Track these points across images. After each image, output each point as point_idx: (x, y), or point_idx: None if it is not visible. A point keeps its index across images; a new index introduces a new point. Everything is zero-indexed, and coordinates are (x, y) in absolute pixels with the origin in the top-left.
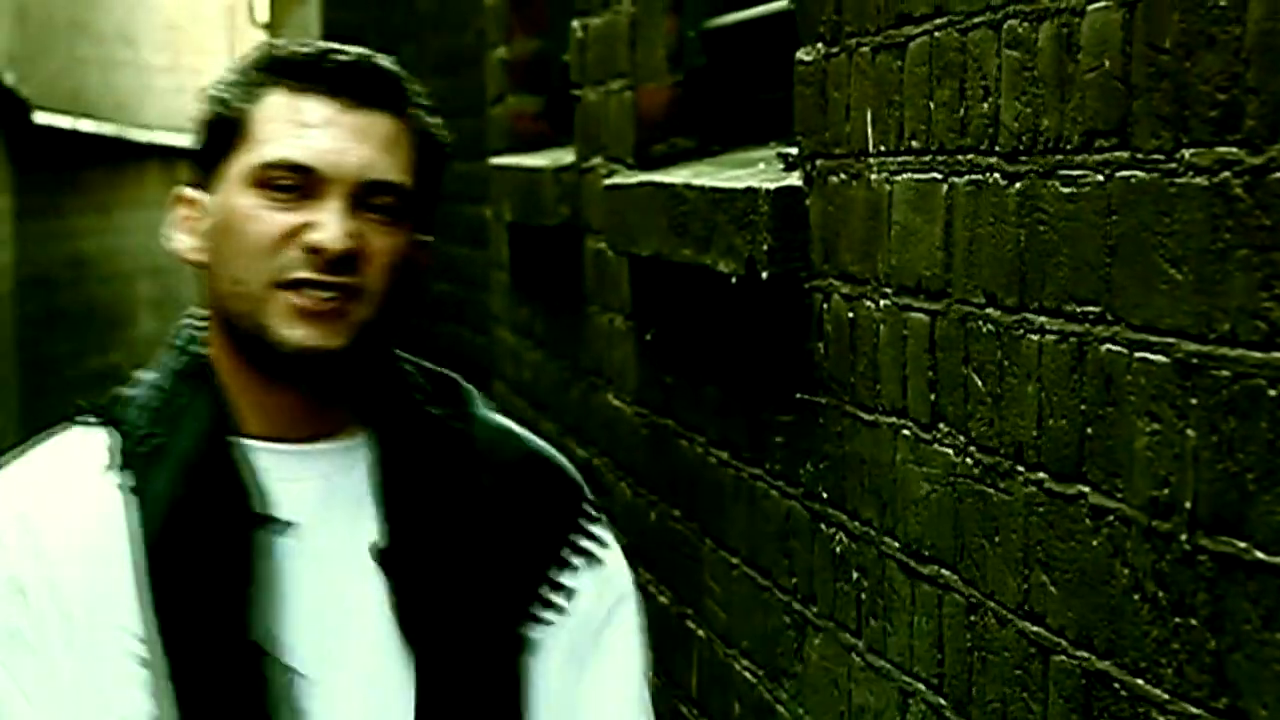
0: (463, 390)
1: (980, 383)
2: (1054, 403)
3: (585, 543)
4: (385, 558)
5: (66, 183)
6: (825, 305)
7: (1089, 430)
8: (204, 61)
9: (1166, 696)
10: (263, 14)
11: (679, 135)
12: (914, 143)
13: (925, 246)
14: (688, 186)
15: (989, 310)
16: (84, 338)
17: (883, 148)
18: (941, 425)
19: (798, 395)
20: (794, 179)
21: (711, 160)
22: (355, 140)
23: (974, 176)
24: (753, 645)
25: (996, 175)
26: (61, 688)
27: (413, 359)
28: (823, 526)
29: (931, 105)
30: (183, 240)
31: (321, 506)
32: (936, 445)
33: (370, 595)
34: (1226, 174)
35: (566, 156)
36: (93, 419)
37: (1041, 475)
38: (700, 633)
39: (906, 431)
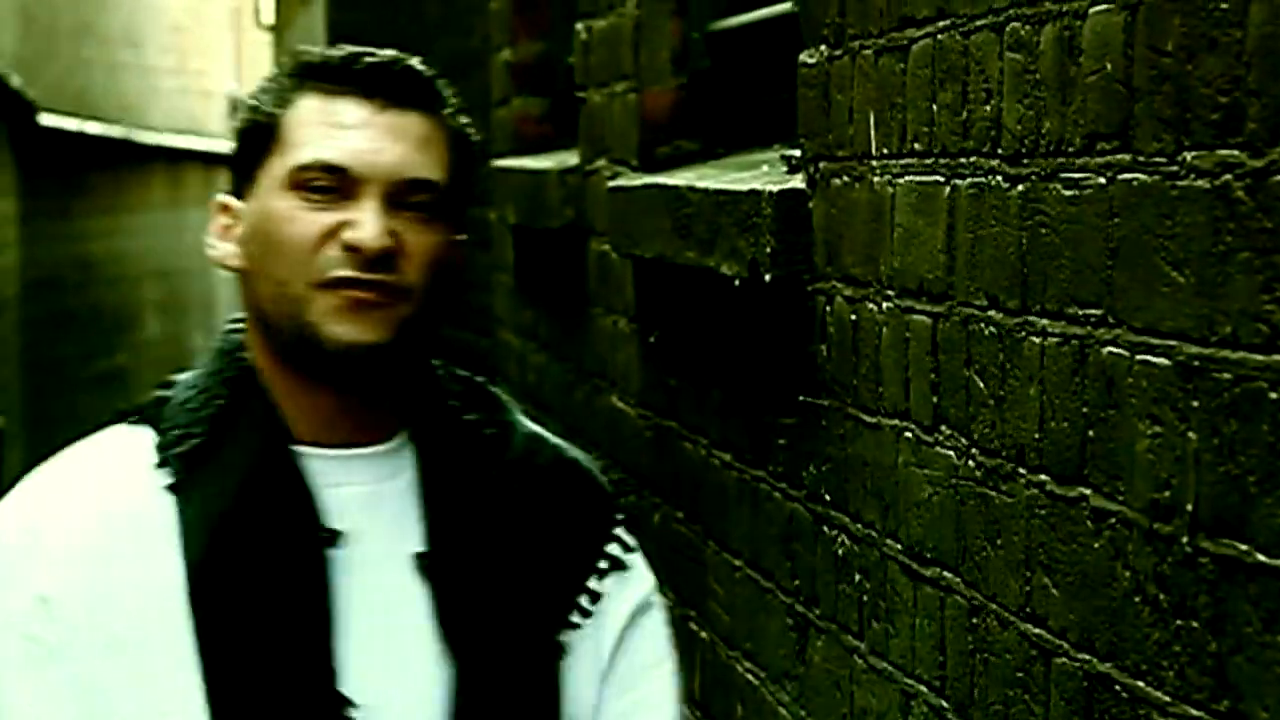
0: (496, 396)
1: (982, 385)
2: (1056, 405)
3: (614, 548)
4: (429, 564)
5: (72, 185)
6: (828, 308)
7: (1091, 433)
8: (209, 64)
9: (1168, 699)
10: (268, 16)
11: (683, 137)
12: (916, 145)
13: (927, 249)
14: (691, 189)
15: (991, 313)
16: (90, 340)
17: (885, 150)
18: (943, 428)
19: (800, 398)
20: (797, 181)
21: (715, 162)
22: (389, 140)
23: (976, 179)
24: (755, 647)
25: (999, 178)
26: (106, 696)
27: (444, 364)
28: (825, 529)
29: (934, 108)
30: (223, 247)
31: (367, 513)
32: (938, 447)
33: (415, 602)
34: (1228, 177)
35: (571, 159)
36: (134, 419)
37: (1043, 477)
38: (703, 635)
39: (909, 434)
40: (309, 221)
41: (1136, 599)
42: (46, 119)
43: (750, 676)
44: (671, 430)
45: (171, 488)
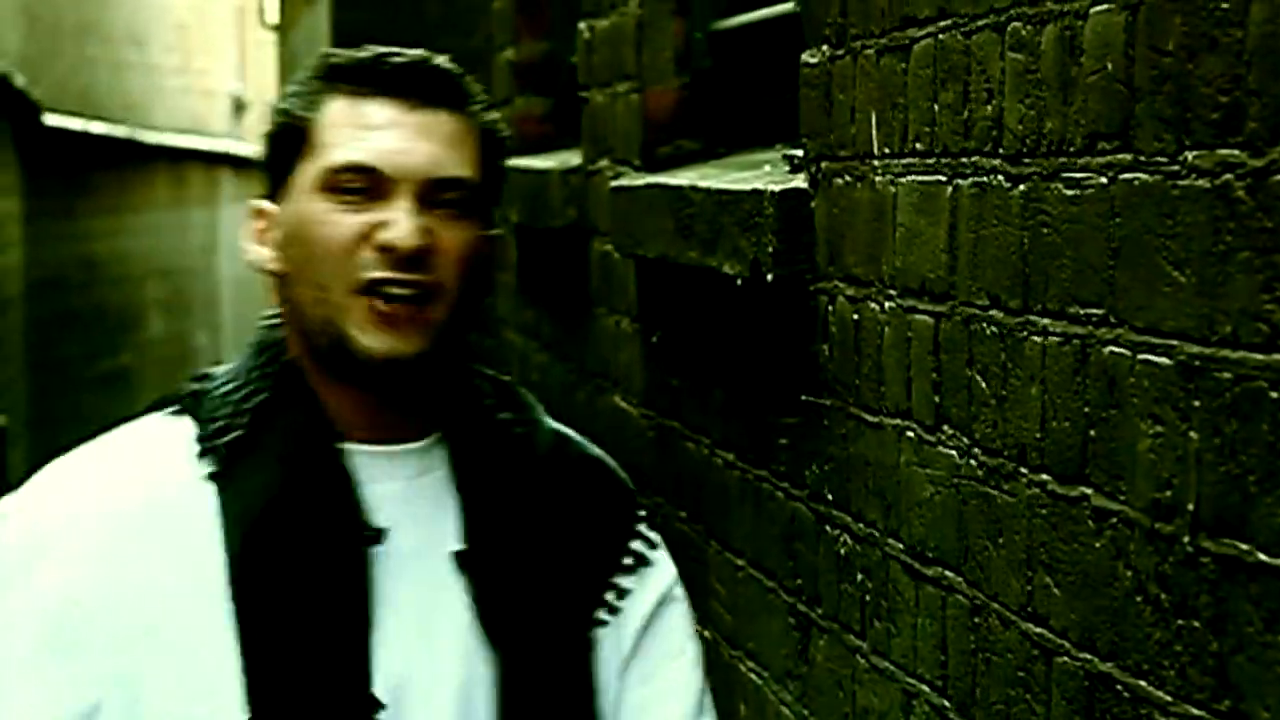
0: (523, 396)
1: (984, 385)
2: (1057, 405)
3: (639, 545)
4: (467, 560)
5: (76, 185)
6: (830, 307)
7: (1092, 432)
8: (213, 63)
9: (1169, 698)
10: (273, 16)
11: (686, 137)
12: (918, 145)
13: (929, 248)
14: (693, 188)
15: (993, 312)
16: (94, 340)
17: (887, 150)
18: (945, 427)
19: (803, 397)
20: (799, 181)
21: (718, 162)
22: (419, 139)
23: (978, 179)
24: (758, 647)
25: (1000, 177)
26: (135, 686)
27: (474, 364)
28: (827, 528)
29: (935, 107)
30: (258, 251)
31: (403, 509)
32: (940, 447)
33: (452, 598)
34: (1228, 176)
35: (573, 158)
36: (172, 409)
37: (1045, 477)
38: (706, 634)
39: (910, 433)
40: (342, 223)
41: (1138, 598)
42: (51, 119)
43: (753, 676)
44: (674, 430)
45: (213, 477)
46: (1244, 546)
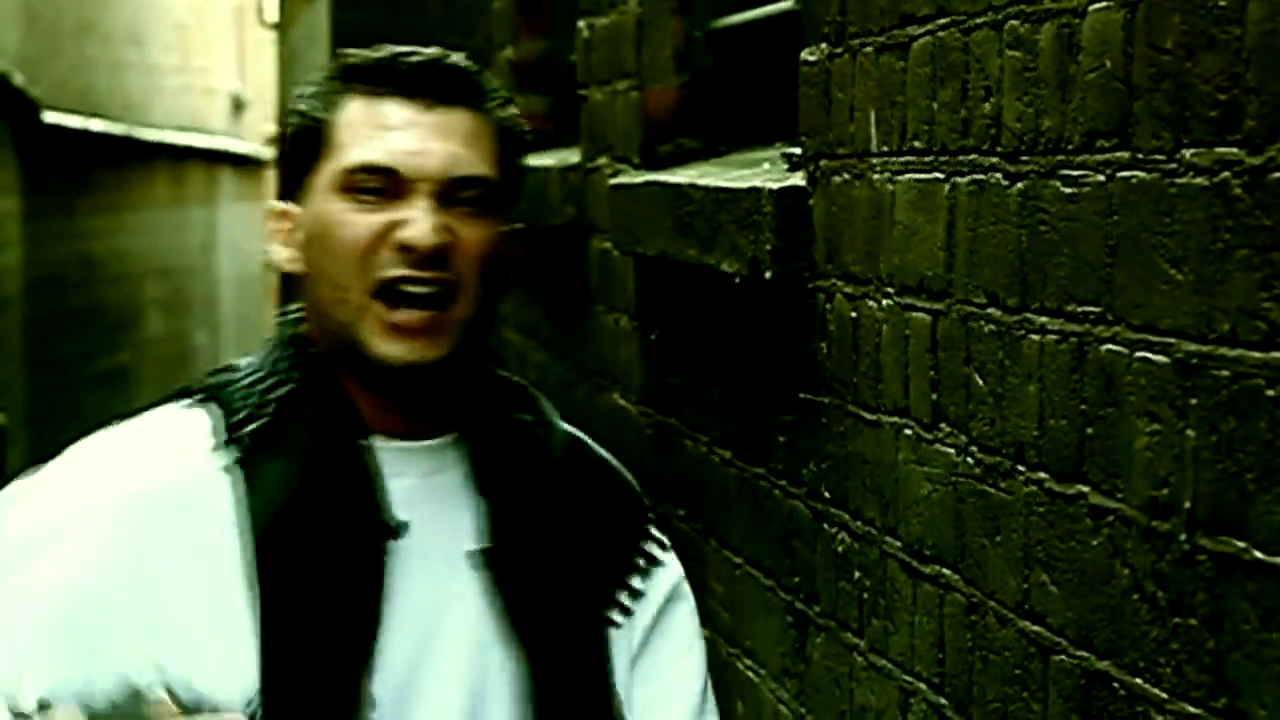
0: (537, 398)
1: (981, 382)
2: (1054, 403)
3: (651, 546)
4: (493, 558)
5: (75, 183)
6: (828, 305)
7: (1089, 430)
8: (212, 62)
9: (1165, 696)
10: (272, 15)
11: (685, 135)
12: (916, 143)
13: (927, 246)
14: (692, 186)
15: (990, 310)
16: (93, 338)
17: (885, 148)
18: (943, 425)
19: (801, 395)
20: (798, 179)
21: (717, 160)
22: (437, 138)
23: (976, 176)
24: (755, 644)
25: (998, 175)
26: (157, 668)
27: (492, 364)
28: (825, 526)
29: (934, 105)
30: (280, 252)
31: (421, 504)
32: (938, 445)
33: (465, 596)
34: (1226, 174)
35: (572, 156)
36: (192, 399)
37: (1042, 475)
38: (704, 632)
39: (908, 431)
40: (361, 224)
41: (1134, 596)
42: (50, 117)
43: (750, 674)
44: (672, 428)
45: (234, 465)
46: (1241, 544)
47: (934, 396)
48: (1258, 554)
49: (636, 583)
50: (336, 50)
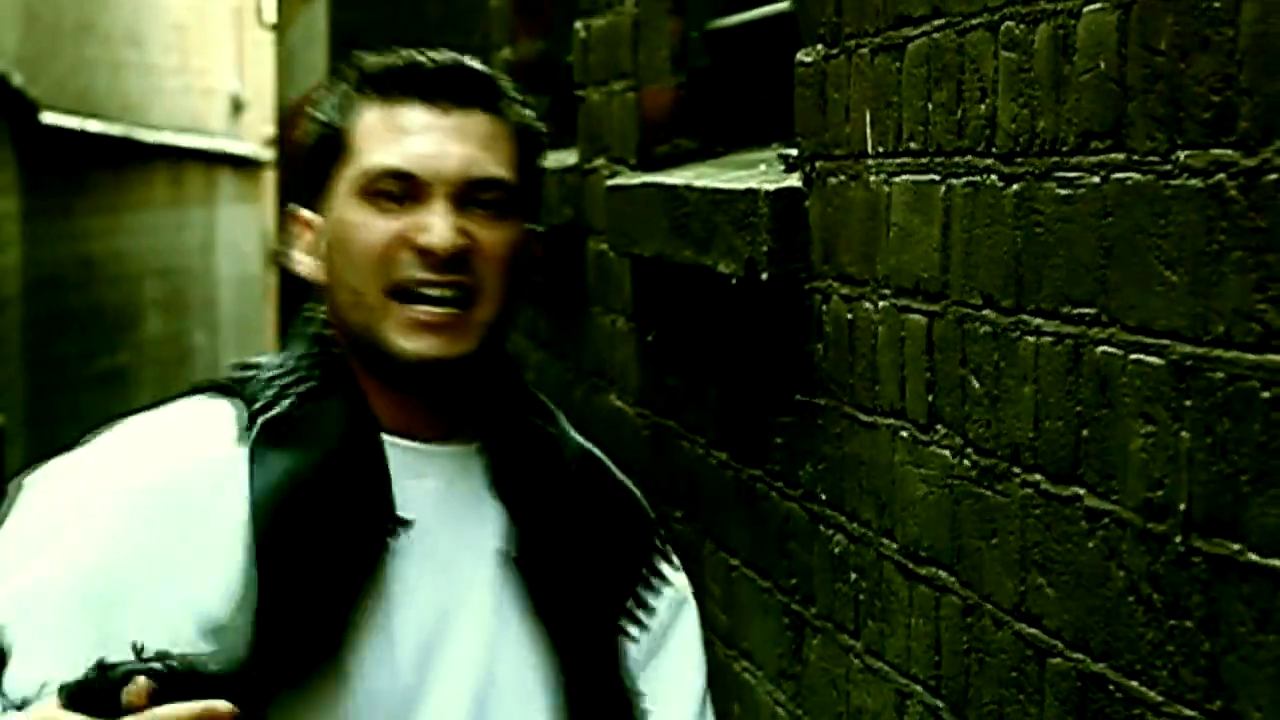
0: (550, 408)
1: (977, 384)
2: (1050, 404)
3: (661, 564)
4: (522, 561)
5: (74, 184)
6: (824, 306)
7: (1085, 432)
8: (211, 62)
9: (1161, 698)
10: (270, 15)
11: (682, 136)
12: (912, 144)
13: (923, 248)
14: (688, 187)
15: (986, 312)
16: (91, 339)
17: (881, 149)
18: (939, 427)
19: (797, 397)
20: (794, 180)
21: (714, 161)
22: (454, 142)
23: (971, 178)
24: (752, 646)
25: (993, 177)
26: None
27: (511, 368)
28: (821, 528)
29: (929, 107)
30: (302, 259)
31: (440, 507)
32: (934, 447)
33: (486, 598)
34: (1221, 176)
35: (569, 157)
36: (213, 390)
37: (1038, 477)
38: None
39: (904, 433)
40: (380, 228)
41: (1130, 598)
42: (49, 117)
43: (747, 675)
44: (669, 429)
45: (253, 453)
46: (1236, 546)
47: (930, 398)
48: (1253, 556)
49: (649, 598)
50: (341, 52)
